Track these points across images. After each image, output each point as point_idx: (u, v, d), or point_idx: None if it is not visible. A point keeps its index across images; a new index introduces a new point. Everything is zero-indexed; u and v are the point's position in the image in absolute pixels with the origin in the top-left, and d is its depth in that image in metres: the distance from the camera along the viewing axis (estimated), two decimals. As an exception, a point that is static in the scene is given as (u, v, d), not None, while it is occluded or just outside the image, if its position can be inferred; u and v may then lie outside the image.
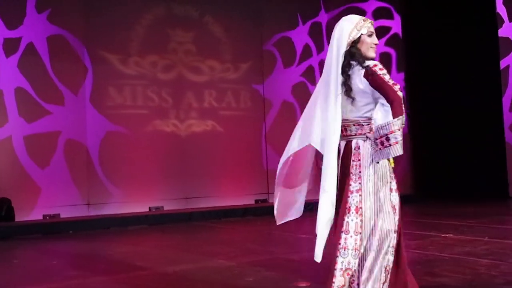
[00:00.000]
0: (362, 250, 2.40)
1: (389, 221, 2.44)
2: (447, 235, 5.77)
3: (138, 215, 9.22)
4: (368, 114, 2.52)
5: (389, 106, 2.40)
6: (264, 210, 9.98)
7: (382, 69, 2.47)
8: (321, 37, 12.24)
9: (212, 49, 11.03)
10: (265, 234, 7.10)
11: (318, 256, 2.47)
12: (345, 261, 2.39)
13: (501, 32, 10.67)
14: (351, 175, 2.49)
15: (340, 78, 2.42)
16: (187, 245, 6.21)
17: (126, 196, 9.75)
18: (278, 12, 11.60)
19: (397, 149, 2.36)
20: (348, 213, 2.45)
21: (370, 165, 2.48)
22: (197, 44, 10.89)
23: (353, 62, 2.45)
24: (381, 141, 2.37)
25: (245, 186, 10.77)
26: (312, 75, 12.19)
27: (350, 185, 2.49)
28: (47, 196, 8.89)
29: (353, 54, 2.45)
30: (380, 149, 2.39)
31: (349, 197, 2.47)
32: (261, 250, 5.42)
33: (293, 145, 2.64)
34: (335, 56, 2.45)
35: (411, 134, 12.07)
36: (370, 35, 2.53)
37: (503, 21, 10.64)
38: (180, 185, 10.28)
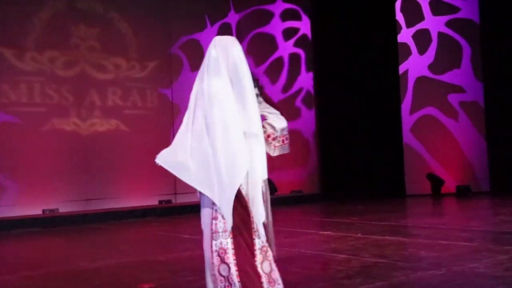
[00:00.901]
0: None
1: None
2: (325, 233, 5.91)
3: (30, 217, 8.81)
4: None
5: (277, 113, 2.90)
6: (166, 210, 9.87)
7: None
8: (231, 38, 12.25)
9: (118, 46, 10.74)
10: (152, 235, 6.98)
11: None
12: (260, 241, 2.64)
13: (400, 38, 11.15)
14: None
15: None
16: (62, 249, 5.98)
17: (20, 197, 9.30)
18: (185, 14, 11.48)
19: (289, 147, 2.99)
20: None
21: None
22: (101, 40, 10.56)
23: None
24: (283, 139, 2.93)
25: (149, 187, 10.58)
26: (221, 77, 12.16)
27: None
28: None
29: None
30: (281, 145, 2.93)
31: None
32: (134, 252, 5.31)
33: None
34: (246, 67, 2.73)
35: (318, 134, 12.37)
36: None
37: (401, 28, 11.12)
38: (81, 186, 9.92)
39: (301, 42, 12.24)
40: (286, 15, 12.11)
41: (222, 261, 2.56)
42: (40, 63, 9.90)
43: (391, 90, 11.39)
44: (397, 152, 11.34)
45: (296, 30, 12.21)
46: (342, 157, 12.12)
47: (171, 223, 8.16)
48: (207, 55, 2.79)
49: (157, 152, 3.02)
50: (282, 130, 2.92)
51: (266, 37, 12.25)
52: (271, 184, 12.11)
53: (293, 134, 11.43)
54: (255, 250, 2.59)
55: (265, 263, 2.61)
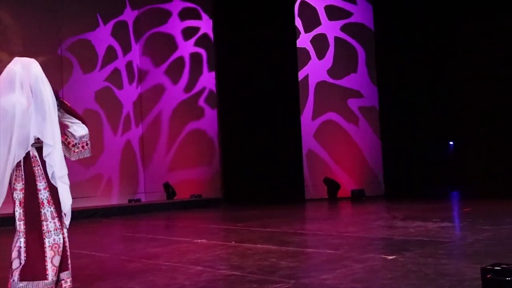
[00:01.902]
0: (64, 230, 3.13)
1: None
2: (199, 241, 5.59)
3: None
4: None
5: (79, 123, 3.34)
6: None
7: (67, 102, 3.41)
8: (127, 37, 11.71)
9: (-2, 38, 9.89)
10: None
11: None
12: (51, 240, 3.03)
13: (299, 43, 11.13)
14: (43, 175, 3.13)
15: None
16: None
17: None
18: (74, 12, 10.83)
19: (90, 151, 3.37)
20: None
21: None
22: (-23, 31, 9.67)
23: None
24: (82, 145, 3.32)
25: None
26: (118, 79, 11.64)
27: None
28: None
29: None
30: (80, 151, 3.33)
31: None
32: None
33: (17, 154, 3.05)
34: (46, 83, 3.14)
35: (221, 136, 12.10)
36: None
37: (300, 32, 11.10)
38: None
39: (202, 41, 11.94)
40: (185, 14, 11.77)
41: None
42: None
43: (291, 95, 11.35)
44: (298, 156, 11.31)
45: (196, 30, 11.89)
46: (244, 161, 11.94)
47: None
48: (8, 71, 3.11)
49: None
50: (82, 137, 3.32)
51: (165, 36, 11.85)
52: (170, 189, 11.69)
53: (197, 134, 10.95)
54: (45, 247, 3.00)
55: (56, 258, 3.01)
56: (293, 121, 11.33)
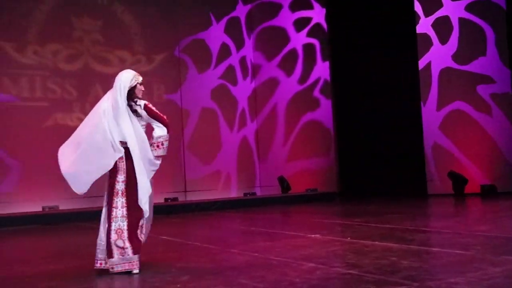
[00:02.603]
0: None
1: None
2: (313, 236, 5.34)
3: (29, 214, 8.67)
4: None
5: (160, 126, 3.95)
6: (178, 208, 9.43)
7: (153, 106, 3.96)
8: (240, 32, 11.80)
9: (122, 39, 10.50)
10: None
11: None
12: (117, 225, 3.77)
13: (419, 29, 10.35)
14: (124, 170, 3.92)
15: (126, 106, 3.85)
16: (25, 250, 5.71)
17: (20, 194, 9.17)
18: (189, 13, 11.20)
19: (166, 150, 3.99)
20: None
21: None
22: (105, 33, 10.35)
23: (129, 99, 3.87)
24: (157, 144, 3.95)
25: (155, 183, 10.25)
26: (233, 75, 11.80)
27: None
28: None
29: (131, 94, 3.86)
30: (154, 149, 3.93)
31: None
32: (82, 256, 4.83)
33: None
34: (122, 92, 3.80)
35: (336, 127, 11.75)
36: (140, 84, 3.93)
37: (419, 17, 10.33)
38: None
39: (315, 31, 11.66)
40: (296, 5, 11.57)
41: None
42: (42, 56, 9.73)
43: (411, 84, 10.62)
44: (419, 149, 10.57)
45: (308, 20, 11.64)
46: (361, 152, 11.46)
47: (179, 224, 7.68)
48: None
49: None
50: (158, 138, 3.95)
51: (277, 29, 11.77)
52: (285, 182, 11.60)
53: (312, 126, 10.75)
54: (111, 229, 3.76)
55: (119, 241, 3.74)
56: (414, 111, 10.59)
